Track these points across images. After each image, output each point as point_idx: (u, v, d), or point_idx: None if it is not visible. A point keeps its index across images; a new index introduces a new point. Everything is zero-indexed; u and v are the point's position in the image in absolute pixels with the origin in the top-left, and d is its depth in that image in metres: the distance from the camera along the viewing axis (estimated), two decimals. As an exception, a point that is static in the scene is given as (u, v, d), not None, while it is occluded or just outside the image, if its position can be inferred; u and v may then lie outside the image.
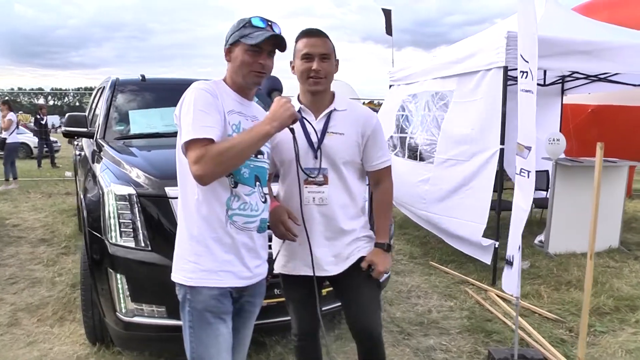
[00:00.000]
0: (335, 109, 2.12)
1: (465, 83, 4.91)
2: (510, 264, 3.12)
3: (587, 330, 3.48)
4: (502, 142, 4.34)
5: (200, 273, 1.77)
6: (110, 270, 2.74)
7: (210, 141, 1.65)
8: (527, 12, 2.95)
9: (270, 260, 2.08)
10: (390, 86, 7.05)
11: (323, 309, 2.93)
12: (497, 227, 4.52)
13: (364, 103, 16.78)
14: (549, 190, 5.56)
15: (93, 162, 3.56)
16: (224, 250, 1.78)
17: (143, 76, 4.52)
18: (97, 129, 4.01)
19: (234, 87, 1.87)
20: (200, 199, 1.76)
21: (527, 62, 2.92)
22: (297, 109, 1.94)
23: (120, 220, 2.73)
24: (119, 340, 2.94)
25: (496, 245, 4.45)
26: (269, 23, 1.84)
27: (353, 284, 2.17)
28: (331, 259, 2.13)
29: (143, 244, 2.70)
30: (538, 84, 6.18)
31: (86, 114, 4.86)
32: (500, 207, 4.67)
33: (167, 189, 2.66)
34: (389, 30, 14.77)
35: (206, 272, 1.77)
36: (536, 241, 5.68)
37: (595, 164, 2.90)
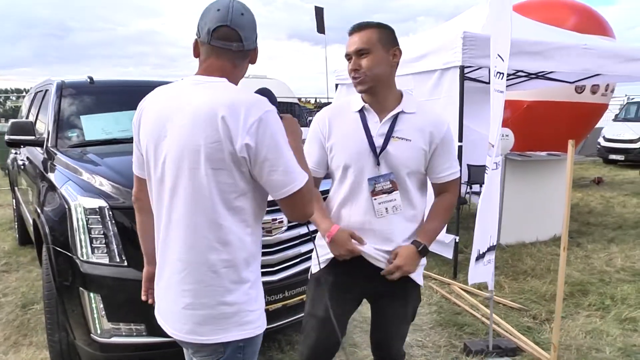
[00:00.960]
0: (402, 111, 1.91)
1: (424, 81, 4.99)
2: (481, 257, 3.20)
3: (548, 316, 3.69)
4: (460, 140, 4.48)
5: (263, 316, 1.57)
6: (82, 289, 2.56)
7: None
8: (503, 13, 3.03)
9: None
10: (337, 85, 7.08)
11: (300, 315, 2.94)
12: (457, 222, 4.67)
13: (299, 100, 16.74)
14: (500, 184, 5.80)
15: (47, 173, 3.31)
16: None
17: (91, 78, 4.26)
18: (46, 137, 3.74)
19: None
20: (252, 232, 1.51)
21: (504, 61, 3.00)
22: (360, 107, 1.91)
23: (91, 236, 2.56)
24: (94, 364, 2.76)
25: (457, 240, 4.60)
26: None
27: (389, 311, 2.04)
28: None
29: (118, 259, 2.54)
30: (483, 82, 6.47)
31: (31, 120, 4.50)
32: (459, 202, 4.82)
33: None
34: (321, 29, 14.76)
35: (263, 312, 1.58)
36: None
37: (562, 156, 3.00)
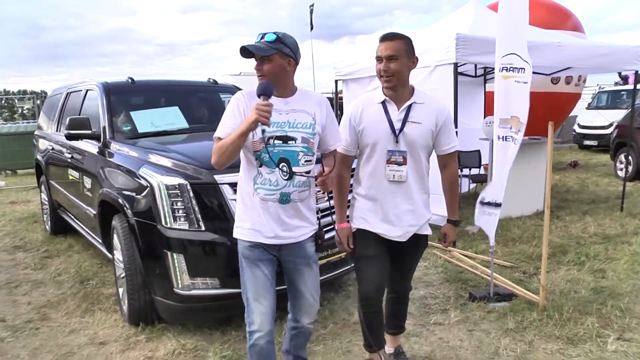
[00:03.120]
0: (415, 102, 2.51)
1: (414, 76, 5.65)
2: (485, 204, 3.81)
3: (535, 271, 4.40)
4: (456, 126, 5.15)
5: (238, 229, 2.41)
6: (166, 251, 3.17)
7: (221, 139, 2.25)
8: (517, 15, 3.69)
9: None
10: (336, 81, 7.72)
11: (332, 273, 3.59)
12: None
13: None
14: (489, 165, 6.51)
15: (114, 161, 3.89)
16: (253, 214, 2.34)
17: (132, 78, 4.83)
18: (102, 131, 4.30)
19: None
20: (242, 176, 2.40)
21: (524, 60, 3.65)
22: (382, 100, 2.53)
23: (173, 207, 3.17)
24: (174, 314, 3.36)
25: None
26: (263, 35, 2.33)
27: (410, 257, 2.76)
28: (407, 227, 2.60)
29: (196, 225, 3.15)
30: (469, 76, 7.18)
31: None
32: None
33: (216, 177, 3.14)
34: (311, 25, 15.38)
35: (241, 229, 2.39)
36: (478, 210, 6.62)
37: (548, 139, 3.69)
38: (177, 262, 3.15)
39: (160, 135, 4.24)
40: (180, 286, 3.18)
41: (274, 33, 2.29)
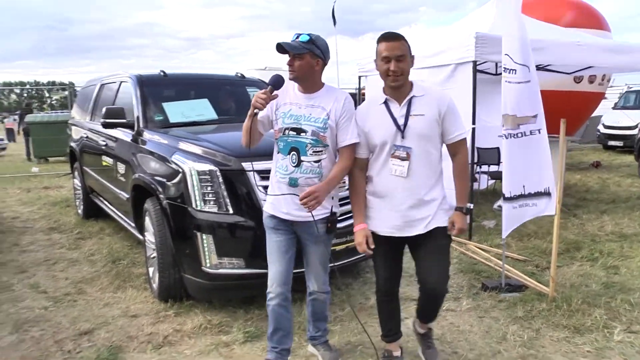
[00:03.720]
0: (414, 96, 2.56)
1: (436, 75, 5.82)
2: (512, 199, 3.96)
3: (548, 265, 4.52)
4: (474, 122, 5.30)
5: (265, 204, 2.82)
6: (196, 232, 3.41)
7: None
8: (510, 16, 3.84)
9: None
10: (360, 77, 7.88)
11: (342, 262, 3.78)
12: (471, 192, 5.50)
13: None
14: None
15: (148, 148, 4.14)
16: (274, 192, 2.72)
17: (164, 72, 5.09)
18: (136, 121, 4.56)
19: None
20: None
21: (515, 61, 3.80)
22: (383, 100, 2.63)
23: (203, 191, 3.40)
24: (201, 291, 3.60)
25: (471, 207, 5.43)
26: (298, 35, 2.64)
27: (428, 250, 2.65)
28: (412, 222, 2.60)
29: (225, 209, 3.38)
30: (490, 74, 7.28)
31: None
32: (473, 175, 5.66)
33: (244, 164, 3.37)
34: (334, 21, 15.58)
35: (266, 203, 2.80)
36: (495, 206, 6.74)
37: (559, 137, 3.81)
38: (206, 243, 3.38)
39: (190, 125, 4.48)
40: (208, 265, 3.41)
41: (308, 35, 2.59)
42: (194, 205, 3.42)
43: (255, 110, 2.57)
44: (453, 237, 2.80)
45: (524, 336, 3.32)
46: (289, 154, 2.64)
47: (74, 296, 4.14)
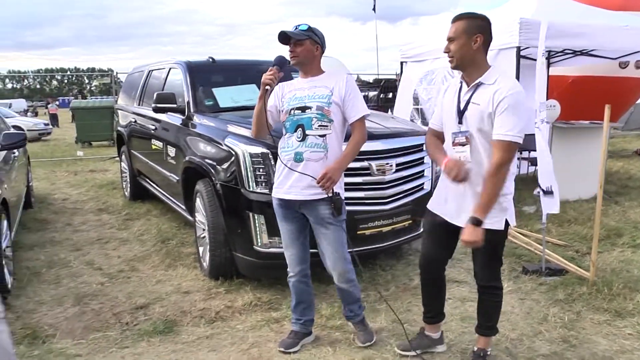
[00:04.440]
0: (481, 82, 2.45)
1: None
2: (549, 193, 4.03)
3: (588, 251, 4.54)
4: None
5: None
6: (249, 212, 3.58)
7: None
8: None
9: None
10: (402, 63, 7.92)
11: (385, 244, 3.89)
12: (511, 178, 5.52)
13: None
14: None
15: (200, 131, 4.32)
16: (278, 175, 2.87)
17: (212, 58, 5.27)
18: (186, 106, 4.75)
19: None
20: None
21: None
22: (459, 80, 2.59)
23: (256, 173, 3.56)
24: (252, 269, 3.78)
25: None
26: (297, 26, 2.83)
27: (477, 248, 2.47)
28: (461, 212, 2.53)
29: (276, 190, 3.53)
30: (531, 59, 7.19)
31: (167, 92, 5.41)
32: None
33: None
34: (374, 7, 15.59)
35: (273, 187, 2.94)
36: (535, 192, 6.70)
37: (604, 123, 3.82)
38: (257, 223, 3.55)
39: (239, 110, 4.63)
40: (259, 244, 3.59)
41: (306, 24, 2.84)
42: (246, 187, 3.58)
43: (266, 87, 2.78)
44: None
45: (564, 318, 3.39)
46: (295, 131, 2.80)
47: (127, 273, 4.38)
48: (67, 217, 6.40)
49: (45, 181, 9.11)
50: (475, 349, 2.84)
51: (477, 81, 2.48)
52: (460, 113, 2.52)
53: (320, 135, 2.76)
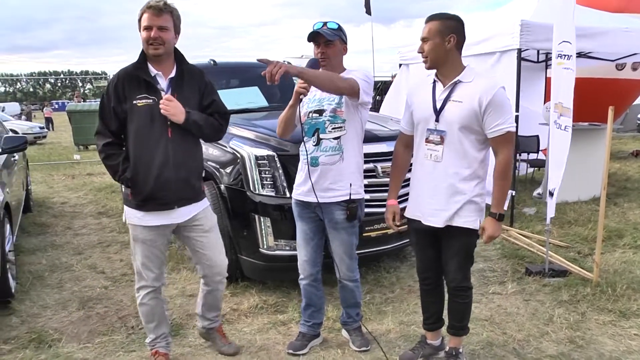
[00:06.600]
0: (460, 80, 2.47)
1: (480, 63, 5.84)
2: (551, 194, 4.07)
3: (590, 252, 4.57)
4: (517, 110, 5.34)
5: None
6: (254, 214, 3.57)
7: None
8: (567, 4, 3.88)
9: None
10: (400, 65, 7.94)
11: (389, 246, 3.90)
12: (513, 180, 5.55)
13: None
14: (548, 149, 6.63)
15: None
16: (298, 177, 2.91)
17: (214, 61, 5.27)
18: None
19: None
20: None
21: (572, 44, 3.85)
22: (432, 79, 2.57)
23: (262, 175, 3.56)
24: (257, 272, 3.77)
25: (513, 194, 5.50)
26: (324, 23, 2.76)
27: (451, 248, 2.59)
28: (435, 211, 2.55)
29: (282, 193, 3.53)
30: (530, 61, 7.25)
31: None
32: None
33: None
34: (368, 10, 15.53)
35: (293, 189, 2.96)
36: (535, 194, 6.76)
37: (607, 125, 3.85)
38: (263, 225, 3.55)
39: (243, 112, 4.63)
40: (265, 247, 3.58)
41: (335, 22, 2.76)
42: (252, 189, 3.58)
43: (300, 97, 2.68)
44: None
45: (570, 319, 3.41)
46: (312, 135, 2.79)
47: (130, 277, 4.35)
48: (66, 221, 6.37)
49: (43, 185, 9.07)
50: (447, 348, 2.87)
51: (454, 80, 2.49)
52: (438, 112, 2.52)
53: (334, 138, 2.75)
